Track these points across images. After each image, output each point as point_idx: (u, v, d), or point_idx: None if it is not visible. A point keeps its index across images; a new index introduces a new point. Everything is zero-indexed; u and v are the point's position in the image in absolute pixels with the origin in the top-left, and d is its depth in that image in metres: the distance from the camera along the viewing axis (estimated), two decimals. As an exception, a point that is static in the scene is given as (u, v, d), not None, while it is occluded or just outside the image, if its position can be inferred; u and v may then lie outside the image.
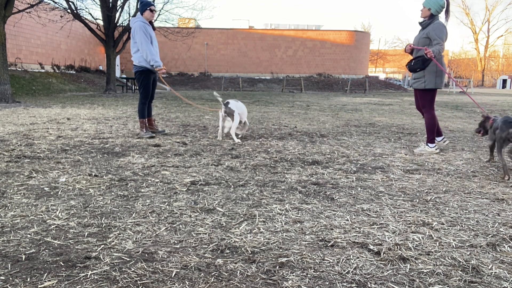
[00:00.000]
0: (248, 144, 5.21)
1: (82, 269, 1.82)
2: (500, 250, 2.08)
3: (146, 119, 5.86)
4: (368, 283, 1.74)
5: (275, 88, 29.93)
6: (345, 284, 1.73)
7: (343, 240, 2.17)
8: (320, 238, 2.19)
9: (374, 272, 1.83)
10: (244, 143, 5.27)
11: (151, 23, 5.80)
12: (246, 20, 39.56)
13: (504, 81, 51.92)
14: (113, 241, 2.12)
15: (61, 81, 20.81)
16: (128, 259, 1.92)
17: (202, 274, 1.80)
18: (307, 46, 34.88)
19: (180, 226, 2.35)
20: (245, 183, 3.28)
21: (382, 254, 2.00)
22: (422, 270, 1.85)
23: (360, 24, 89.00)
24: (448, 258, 1.97)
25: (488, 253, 2.04)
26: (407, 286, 1.72)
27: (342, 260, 1.95)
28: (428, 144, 4.79)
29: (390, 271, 1.85)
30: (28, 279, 1.72)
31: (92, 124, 7.09)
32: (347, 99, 17.59)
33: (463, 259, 1.96)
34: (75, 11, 18.00)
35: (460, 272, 1.83)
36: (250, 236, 2.21)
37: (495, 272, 1.84)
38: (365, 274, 1.82)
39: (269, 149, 4.83)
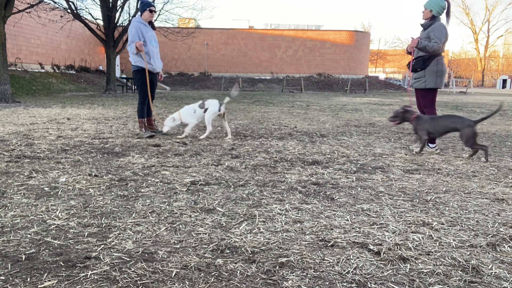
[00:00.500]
0: (248, 144, 5.21)
1: (82, 269, 1.82)
2: (500, 250, 2.08)
3: (146, 119, 5.86)
4: (368, 283, 1.74)
5: (275, 88, 29.93)
6: (345, 284, 1.73)
7: (343, 240, 2.17)
8: (320, 238, 2.19)
9: (374, 272, 1.83)
10: (244, 143, 5.28)
11: (151, 23, 5.80)
12: (246, 20, 39.58)
13: (504, 81, 51.91)
14: (113, 241, 2.12)
15: (61, 81, 20.81)
16: (128, 259, 1.92)
17: (202, 274, 1.80)
18: (307, 46, 34.88)
19: (180, 226, 2.35)
20: (245, 183, 3.28)
21: (382, 254, 2.00)
22: (422, 270, 1.85)
23: (360, 24, 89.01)
24: (448, 258, 1.97)
25: (488, 253, 2.04)
26: (407, 286, 1.72)
27: (342, 260, 1.95)
28: (429, 144, 4.81)
29: (390, 271, 1.85)
30: (28, 279, 1.72)
31: (92, 124, 7.09)
32: (347, 99, 17.59)
33: (463, 259, 1.96)
34: (75, 11, 18.00)
35: (460, 272, 1.83)
36: (250, 236, 2.21)
37: (495, 272, 1.84)
38: (365, 274, 1.82)
39: (269, 149, 4.83)
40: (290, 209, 2.66)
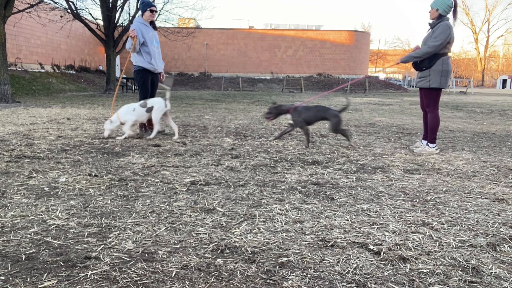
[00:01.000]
0: (248, 144, 5.21)
1: (82, 269, 1.82)
2: (500, 250, 2.08)
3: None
4: (368, 283, 1.74)
5: (275, 88, 29.93)
6: (345, 284, 1.73)
7: (343, 240, 2.17)
8: (320, 238, 2.19)
9: (374, 272, 1.83)
10: (244, 143, 5.28)
11: (152, 23, 5.80)
12: (246, 20, 39.56)
13: (504, 81, 51.91)
14: (113, 241, 2.12)
15: (61, 81, 20.81)
16: (128, 259, 1.92)
17: (202, 274, 1.80)
18: (307, 46, 34.88)
19: (180, 226, 2.35)
20: (245, 183, 3.28)
21: (382, 254, 2.00)
22: (422, 270, 1.85)
23: (360, 24, 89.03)
24: (448, 258, 1.97)
25: (488, 253, 2.04)
26: (407, 286, 1.72)
27: (342, 260, 1.95)
28: (429, 144, 4.79)
29: (390, 271, 1.85)
30: (28, 279, 1.72)
31: (92, 124, 7.09)
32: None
33: (463, 259, 1.96)
34: (75, 11, 18.00)
35: (460, 272, 1.83)
36: (250, 236, 2.21)
37: (495, 272, 1.84)
38: (365, 274, 1.82)
39: (269, 149, 4.83)
40: (290, 209, 2.66)
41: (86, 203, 2.73)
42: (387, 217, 2.53)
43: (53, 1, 17.78)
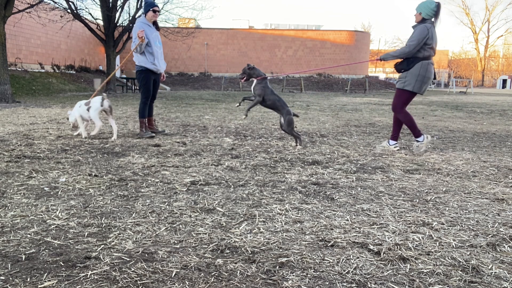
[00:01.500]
0: (248, 144, 5.21)
1: (82, 269, 1.82)
2: (500, 250, 2.08)
3: (146, 119, 5.86)
4: (368, 283, 1.74)
5: (275, 88, 29.87)
6: (345, 284, 1.73)
7: (343, 240, 2.17)
8: (320, 238, 2.19)
9: (374, 272, 1.83)
10: (244, 143, 5.28)
11: (155, 23, 5.80)
12: (246, 20, 39.56)
13: (504, 81, 51.89)
14: (113, 241, 2.12)
15: (61, 81, 20.81)
16: (128, 259, 1.92)
17: (202, 274, 1.80)
18: (307, 46, 34.87)
19: (180, 226, 2.35)
20: (245, 183, 3.28)
21: (382, 254, 2.00)
22: (422, 270, 1.85)
23: (360, 24, 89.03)
24: (448, 258, 1.97)
25: (488, 253, 2.04)
26: (407, 286, 1.72)
27: (342, 260, 1.95)
28: (418, 139, 4.83)
29: (390, 271, 1.85)
30: (28, 279, 1.72)
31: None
32: (347, 99, 17.59)
33: (463, 259, 1.96)
34: (75, 11, 18.01)
35: (460, 272, 1.83)
36: (250, 236, 2.21)
37: (495, 272, 1.84)
38: (365, 274, 1.82)
39: (269, 149, 4.83)
40: (290, 209, 2.66)
41: (86, 203, 2.73)
42: (387, 217, 2.53)
43: (53, 1, 17.80)
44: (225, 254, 1.99)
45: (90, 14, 19.79)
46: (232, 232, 2.26)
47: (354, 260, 1.95)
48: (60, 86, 19.70)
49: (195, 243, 2.11)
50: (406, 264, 1.91)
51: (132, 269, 1.82)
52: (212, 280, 1.74)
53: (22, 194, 2.89)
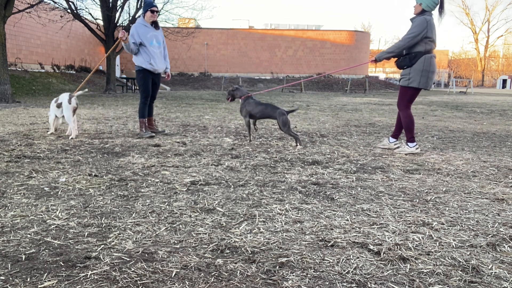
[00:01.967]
0: (248, 144, 5.21)
1: (82, 269, 1.82)
2: (500, 250, 2.08)
3: (146, 119, 5.86)
4: (368, 283, 1.74)
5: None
6: (345, 284, 1.73)
7: (343, 240, 2.17)
8: (320, 238, 2.19)
9: (374, 272, 1.83)
10: (244, 143, 5.28)
11: (154, 23, 5.79)
12: (246, 20, 39.53)
13: (504, 81, 51.87)
14: (113, 241, 2.12)
15: (61, 81, 20.81)
16: (128, 259, 1.92)
17: (202, 274, 1.80)
18: (307, 46, 34.87)
19: (180, 226, 2.35)
20: (245, 183, 3.28)
21: (382, 254, 2.00)
22: (422, 270, 1.85)
23: (360, 24, 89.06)
24: (448, 258, 1.97)
25: (488, 253, 2.04)
26: (407, 286, 1.72)
27: (342, 260, 1.95)
28: (408, 143, 4.70)
29: (390, 271, 1.85)
30: (28, 279, 1.72)
31: (92, 124, 7.09)
32: (347, 99, 17.59)
33: (463, 259, 1.96)
34: (75, 11, 18.00)
35: (460, 272, 1.83)
36: (250, 236, 2.21)
37: (495, 272, 1.84)
38: (365, 274, 1.82)
39: (269, 149, 4.83)
40: (290, 209, 2.66)
41: (86, 203, 2.73)
42: (387, 217, 2.53)
43: (53, 1, 17.78)
44: (225, 254, 1.99)
45: (90, 14, 19.79)
46: (232, 232, 2.26)
47: (354, 260, 1.95)
48: (60, 86, 19.70)
49: (195, 243, 2.11)
50: (406, 264, 1.91)
51: (132, 269, 1.82)
52: (212, 280, 1.74)
53: (22, 194, 2.89)
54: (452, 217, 2.55)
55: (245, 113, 5.11)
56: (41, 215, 2.49)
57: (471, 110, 12.00)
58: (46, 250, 2.00)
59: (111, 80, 19.60)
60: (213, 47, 34.41)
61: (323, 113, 10.28)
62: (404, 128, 4.71)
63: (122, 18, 19.99)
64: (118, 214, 2.53)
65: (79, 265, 1.85)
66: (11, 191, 2.97)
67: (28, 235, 2.18)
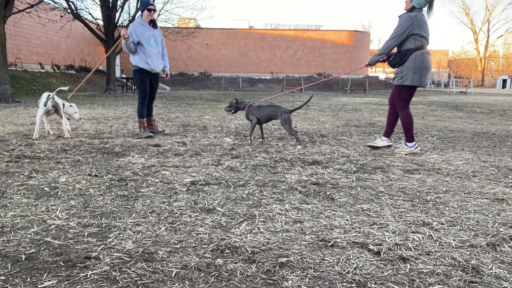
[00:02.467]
0: (248, 144, 5.21)
1: (82, 269, 1.82)
2: (500, 250, 2.08)
3: (145, 119, 5.85)
4: (368, 283, 1.74)
5: (275, 88, 29.92)
6: (345, 284, 1.73)
7: (343, 240, 2.17)
8: (320, 238, 2.19)
9: (374, 272, 1.83)
10: (244, 143, 5.28)
11: (153, 22, 5.77)
12: (246, 20, 39.55)
13: (504, 81, 51.85)
14: (113, 241, 2.12)
15: (61, 81, 20.81)
16: (128, 259, 1.92)
17: (202, 274, 1.80)
18: (307, 46, 34.88)
19: (180, 226, 2.35)
20: (245, 183, 3.28)
21: (382, 254, 2.00)
22: (422, 270, 1.85)
23: (360, 24, 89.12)
24: (448, 258, 1.97)
25: (488, 253, 2.04)
26: (407, 286, 1.72)
27: (342, 260, 1.95)
28: (407, 143, 4.64)
29: (390, 271, 1.85)
30: (28, 279, 1.72)
31: (92, 124, 7.09)
32: (347, 99, 17.59)
33: (463, 259, 1.96)
34: (75, 11, 18.01)
35: (460, 272, 1.83)
36: (250, 236, 2.21)
37: (495, 272, 1.84)
38: (365, 274, 1.82)
39: (269, 149, 4.83)
40: (290, 209, 2.66)
41: (86, 203, 2.73)
42: (387, 217, 2.53)
43: (53, 1, 17.79)
44: (225, 254, 1.99)
45: (90, 14, 19.82)
46: (232, 232, 2.26)
47: (354, 260, 1.95)
48: (60, 86, 19.70)
49: (195, 243, 2.11)
50: (406, 264, 1.91)
51: (132, 269, 1.82)
52: (212, 280, 1.74)
53: (22, 194, 2.89)
54: (452, 217, 2.55)
55: (252, 116, 5.30)
56: (41, 215, 2.49)
57: (471, 110, 12.00)
58: (46, 250, 2.00)
59: (111, 80, 19.60)
60: (213, 47, 34.41)
61: (323, 113, 10.28)
62: (403, 128, 4.63)
63: (122, 18, 20.01)
64: (118, 214, 2.53)
65: (79, 265, 1.85)
66: (11, 191, 2.97)
67: (28, 235, 2.18)
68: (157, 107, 11.04)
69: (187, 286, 1.70)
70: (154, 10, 5.76)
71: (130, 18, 19.91)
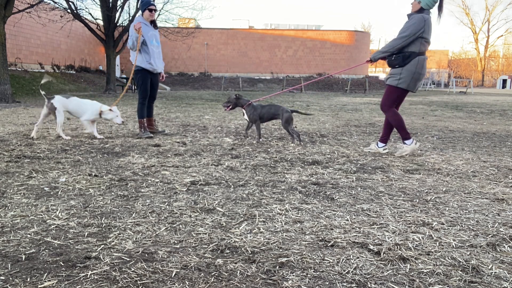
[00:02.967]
0: (248, 144, 5.21)
1: (82, 269, 1.82)
2: (500, 250, 2.08)
3: (145, 119, 5.85)
4: (368, 283, 1.74)
5: (275, 88, 29.92)
6: (345, 284, 1.73)
7: (343, 240, 2.17)
8: (320, 238, 2.19)
9: (374, 272, 1.83)
10: (244, 143, 5.28)
11: (153, 22, 5.78)
12: (246, 20, 39.54)
13: (504, 81, 51.84)
14: (113, 241, 2.12)
15: (61, 81, 20.81)
16: (128, 259, 1.92)
17: (202, 274, 1.80)
18: (307, 46, 34.87)
19: (180, 226, 2.35)
20: (245, 183, 3.28)
21: (382, 254, 2.00)
22: (422, 270, 1.85)
23: (360, 24, 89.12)
24: (448, 258, 1.97)
25: (488, 253, 2.04)
26: (407, 286, 1.72)
27: (342, 260, 1.95)
28: (405, 142, 4.56)
29: (390, 271, 1.85)
30: (28, 279, 1.72)
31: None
32: (347, 99, 17.59)
33: (463, 259, 1.96)
34: (75, 11, 18.00)
35: (460, 272, 1.83)
36: (250, 236, 2.21)
37: (495, 272, 1.84)
38: (365, 274, 1.82)
39: (269, 149, 4.83)
40: (290, 209, 2.66)
41: (86, 203, 2.73)
42: (387, 217, 2.53)
43: (53, 1, 17.78)
44: (225, 254, 1.99)
45: (90, 14, 19.79)
46: (232, 232, 2.26)
47: (354, 260, 1.95)
48: (60, 86, 19.69)
49: (195, 243, 2.11)
50: (406, 264, 1.91)
51: (132, 269, 1.82)
52: (212, 280, 1.74)
53: (22, 194, 2.89)
54: (452, 217, 2.55)
55: (255, 117, 5.34)
56: (41, 215, 2.49)
57: (471, 110, 12.00)
58: (46, 250, 2.00)
59: (111, 80, 19.59)
60: (213, 47, 34.41)
61: (323, 113, 10.28)
62: (396, 127, 4.51)
63: (122, 18, 20.00)
64: (118, 214, 2.53)
65: (79, 265, 1.85)
66: (11, 191, 2.97)
67: (28, 235, 2.18)
68: (157, 107, 11.04)
69: (187, 286, 1.70)
70: (155, 10, 5.77)
71: (130, 18, 19.89)
